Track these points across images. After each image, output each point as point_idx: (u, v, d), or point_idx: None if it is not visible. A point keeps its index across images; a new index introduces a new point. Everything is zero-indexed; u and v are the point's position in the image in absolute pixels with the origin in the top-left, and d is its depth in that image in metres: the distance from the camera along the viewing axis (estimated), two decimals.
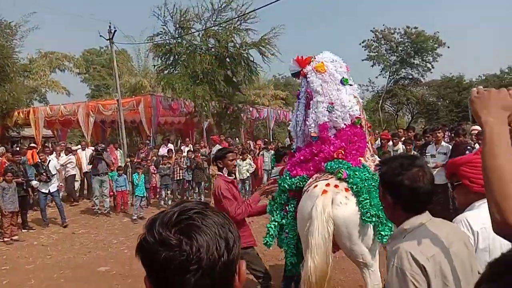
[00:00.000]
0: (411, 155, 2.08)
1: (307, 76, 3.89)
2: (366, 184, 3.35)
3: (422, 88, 29.52)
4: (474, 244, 1.89)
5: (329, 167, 3.57)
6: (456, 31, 62.30)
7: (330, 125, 3.74)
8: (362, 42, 28.92)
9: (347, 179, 3.42)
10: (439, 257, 1.52)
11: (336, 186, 3.40)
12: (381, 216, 3.20)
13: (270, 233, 3.83)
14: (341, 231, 3.30)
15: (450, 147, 7.62)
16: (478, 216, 1.93)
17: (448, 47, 27.57)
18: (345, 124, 3.76)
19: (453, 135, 8.90)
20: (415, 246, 1.54)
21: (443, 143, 7.85)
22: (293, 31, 73.42)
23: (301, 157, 3.83)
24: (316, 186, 3.46)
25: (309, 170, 3.75)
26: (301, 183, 3.71)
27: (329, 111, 3.72)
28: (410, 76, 29.15)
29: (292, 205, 3.79)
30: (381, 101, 27.85)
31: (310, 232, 3.19)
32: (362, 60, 29.15)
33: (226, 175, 4.16)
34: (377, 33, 28.48)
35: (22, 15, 20.21)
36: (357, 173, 3.45)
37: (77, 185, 12.31)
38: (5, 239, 8.06)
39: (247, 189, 11.28)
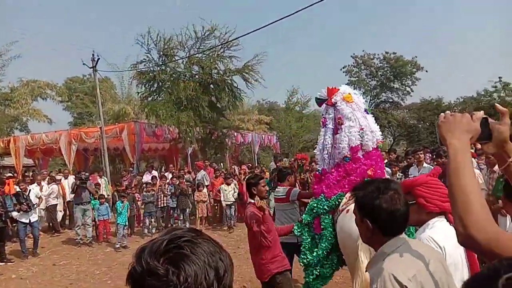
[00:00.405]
0: (384, 178, 2.22)
1: (337, 105, 4.27)
2: None
3: (403, 111, 30.14)
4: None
5: None
6: (434, 55, 64.31)
7: (360, 147, 4.14)
8: (343, 68, 29.62)
9: None
10: (420, 277, 1.56)
11: None
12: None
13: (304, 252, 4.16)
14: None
15: (432, 168, 7.72)
16: (436, 233, 2.05)
17: (426, 71, 28.46)
18: (372, 147, 4.19)
19: (434, 156, 9.05)
20: (396, 267, 1.57)
21: (424, 164, 7.95)
22: (275, 57, 74.71)
23: (338, 178, 4.16)
24: None
25: (343, 187, 4.05)
26: (337, 201, 3.98)
27: (360, 136, 4.13)
28: (391, 100, 29.80)
29: (326, 220, 4.04)
30: None
31: (361, 250, 3.40)
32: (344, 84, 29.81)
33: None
34: (357, 59, 29.23)
35: (4, 44, 20.17)
36: None
37: (60, 215, 11.99)
38: None
39: (233, 214, 11.19)
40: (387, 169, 8.88)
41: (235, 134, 19.20)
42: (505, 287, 0.53)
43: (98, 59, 16.09)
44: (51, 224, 11.83)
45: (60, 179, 12.04)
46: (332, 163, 4.28)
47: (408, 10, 63.58)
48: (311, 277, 4.02)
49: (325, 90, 4.39)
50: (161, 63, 16.43)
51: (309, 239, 4.19)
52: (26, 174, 16.10)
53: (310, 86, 71.12)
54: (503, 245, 0.96)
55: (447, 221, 2.15)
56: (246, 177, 5.79)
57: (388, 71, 28.44)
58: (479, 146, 5.73)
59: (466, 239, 1.01)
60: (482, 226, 0.99)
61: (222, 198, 11.15)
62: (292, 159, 12.28)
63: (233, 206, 11.20)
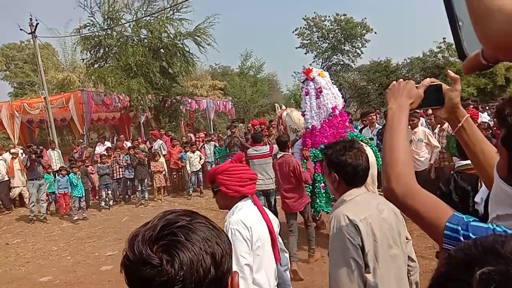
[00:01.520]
0: (349, 139, 2.56)
1: (315, 79, 6.05)
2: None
3: (353, 73, 30.69)
4: (250, 241, 2.14)
5: (351, 135, 5.99)
6: (382, 17, 65.44)
7: (336, 107, 6.00)
8: (295, 30, 29.46)
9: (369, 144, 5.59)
10: (370, 219, 1.82)
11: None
12: None
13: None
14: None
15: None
16: (243, 215, 2.21)
17: (375, 32, 28.95)
18: (341, 107, 6.14)
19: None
20: (350, 210, 1.84)
21: (376, 125, 8.28)
22: (227, 20, 72.85)
23: (330, 131, 5.90)
24: None
25: (335, 136, 5.73)
26: None
27: (334, 99, 6.03)
28: (342, 62, 30.21)
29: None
30: None
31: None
32: (296, 48, 29.74)
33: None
34: (308, 21, 29.12)
35: None
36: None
37: (18, 191, 11.15)
38: None
39: (200, 180, 11.21)
40: None
41: (190, 100, 18.81)
42: (482, 282, 0.51)
43: (37, 24, 14.94)
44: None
45: (16, 154, 11.06)
46: (319, 120, 5.99)
47: None
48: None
49: (303, 73, 6.25)
50: (106, 27, 15.50)
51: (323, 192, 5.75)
52: None
53: (263, 49, 70.63)
54: (417, 199, 1.05)
55: (252, 202, 2.34)
56: (277, 137, 6.72)
57: (339, 33, 28.65)
58: (430, 111, 6.34)
59: (387, 192, 1.11)
60: (401, 180, 1.08)
61: (188, 166, 11.02)
62: (249, 125, 12.28)
63: (200, 172, 11.21)
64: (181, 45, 16.05)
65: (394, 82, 1.30)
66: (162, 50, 15.97)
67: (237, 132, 11.79)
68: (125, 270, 0.79)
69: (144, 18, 15.60)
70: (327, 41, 29.16)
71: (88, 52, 15.90)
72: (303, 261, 5.59)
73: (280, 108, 8.79)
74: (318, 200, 5.85)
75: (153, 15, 15.63)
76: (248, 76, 26.20)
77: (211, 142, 12.03)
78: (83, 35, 15.64)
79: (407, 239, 2.02)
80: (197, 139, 12.92)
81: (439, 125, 6.91)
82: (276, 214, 6.17)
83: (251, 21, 75.87)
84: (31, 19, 14.83)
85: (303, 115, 6.52)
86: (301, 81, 6.36)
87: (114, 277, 5.66)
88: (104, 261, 6.64)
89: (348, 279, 1.75)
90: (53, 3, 58.77)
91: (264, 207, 2.43)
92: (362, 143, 5.29)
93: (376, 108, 15.48)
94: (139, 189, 10.74)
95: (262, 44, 70.62)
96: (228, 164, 2.41)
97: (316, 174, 5.76)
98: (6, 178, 10.84)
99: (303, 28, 29.27)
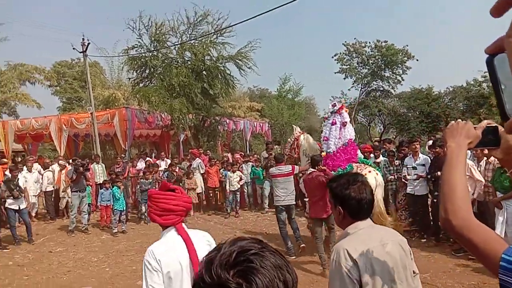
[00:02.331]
0: (353, 173, 2.56)
1: (343, 114, 7.49)
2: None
3: (393, 100, 30.16)
4: (160, 271, 2.17)
5: (361, 160, 7.43)
6: (424, 45, 64.53)
7: (352, 139, 7.43)
8: (335, 55, 29.51)
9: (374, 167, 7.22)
10: (371, 253, 1.84)
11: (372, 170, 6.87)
12: None
13: None
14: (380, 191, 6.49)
15: (428, 158, 7.90)
16: (157, 247, 2.23)
17: (417, 60, 28.49)
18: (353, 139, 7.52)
19: (431, 145, 9.23)
20: (351, 244, 1.88)
21: (420, 154, 8.11)
22: (268, 44, 74.21)
23: (345, 157, 7.13)
24: (369, 171, 6.70)
25: (349, 161, 7.06)
26: (350, 170, 6.74)
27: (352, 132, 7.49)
28: (381, 88, 29.81)
29: None
30: (354, 112, 28.22)
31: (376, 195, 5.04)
32: (335, 72, 29.68)
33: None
34: (348, 47, 29.09)
35: None
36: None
37: (64, 201, 11.65)
38: None
39: (237, 200, 11.39)
40: (383, 158, 9.14)
41: (228, 121, 19.14)
42: None
43: (89, 43, 15.83)
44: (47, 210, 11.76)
45: (64, 165, 11.64)
46: (336, 147, 7.22)
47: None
48: None
49: (337, 105, 7.59)
50: (152, 48, 16.20)
51: None
52: (15, 159, 15.89)
53: (302, 73, 71.06)
54: (473, 231, 1.09)
55: (175, 231, 2.28)
56: (312, 155, 7.29)
57: (379, 60, 28.38)
58: (486, 151, 6.29)
59: (444, 222, 1.16)
60: (458, 213, 1.13)
61: (227, 185, 11.23)
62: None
63: (238, 192, 11.39)
64: (222, 68, 16.47)
65: (453, 122, 1.35)
66: (204, 72, 16.45)
67: (274, 154, 11.87)
68: None
69: (189, 42, 16.17)
70: (367, 67, 28.94)
71: (134, 71, 16.63)
72: None
73: (297, 131, 9.01)
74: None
75: (197, 38, 16.19)
76: (286, 99, 26.38)
77: (248, 163, 12.16)
78: (130, 55, 16.40)
79: (414, 273, 2.02)
80: (234, 160, 13.07)
81: (485, 158, 6.67)
82: (295, 225, 7.50)
83: (291, 45, 76.87)
84: (83, 39, 15.76)
85: (326, 139, 7.48)
86: (330, 111, 7.64)
87: None
88: (141, 276, 6.75)
89: None
90: (102, 24, 62.03)
91: (191, 232, 2.35)
92: (370, 168, 6.88)
93: (417, 137, 15.15)
94: None
95: (301, 68, 71.21)
96: (154, 191, 2.42)
97: None
98: (50, 188, 11.39)
99: (343, 53, 29.26)
